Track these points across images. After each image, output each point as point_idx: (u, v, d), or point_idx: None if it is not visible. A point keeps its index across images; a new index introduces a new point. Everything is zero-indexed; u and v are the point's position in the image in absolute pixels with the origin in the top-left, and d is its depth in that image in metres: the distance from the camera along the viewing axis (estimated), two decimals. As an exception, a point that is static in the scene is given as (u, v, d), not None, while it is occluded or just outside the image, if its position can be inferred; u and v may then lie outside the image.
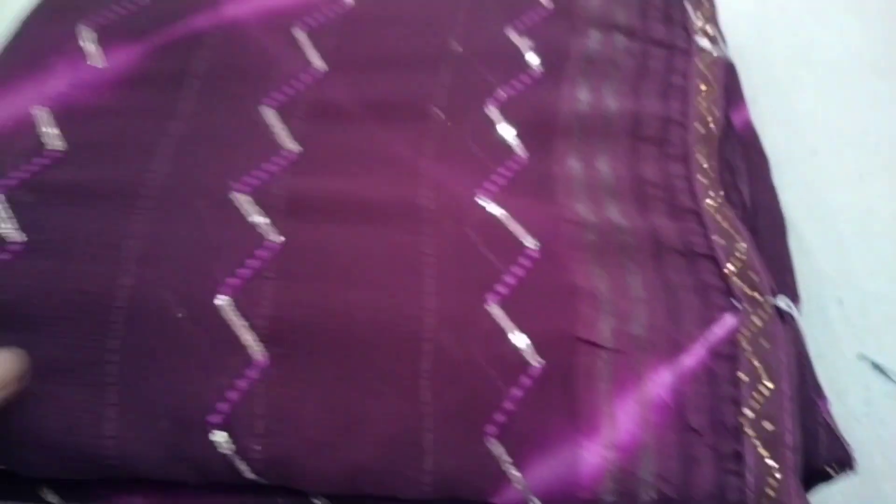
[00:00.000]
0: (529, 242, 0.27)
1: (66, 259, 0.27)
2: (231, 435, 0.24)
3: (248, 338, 0.25)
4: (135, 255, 0.27)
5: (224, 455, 0.24)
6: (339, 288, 0.26)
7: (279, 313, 0.26)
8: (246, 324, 0.25)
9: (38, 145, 0.30)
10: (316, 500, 0.25)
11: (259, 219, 0.28)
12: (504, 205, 0.28)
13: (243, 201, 0.28)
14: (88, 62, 0.33)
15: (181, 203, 0.28)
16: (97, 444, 0.24)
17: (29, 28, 0.34)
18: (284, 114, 0.31)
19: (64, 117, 0.31)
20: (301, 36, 0.34)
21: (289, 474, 0.24)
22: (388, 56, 0.34)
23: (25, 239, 0.27)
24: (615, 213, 0.29)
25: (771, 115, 0.38)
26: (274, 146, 0.30)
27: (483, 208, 0.28)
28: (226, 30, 0.34)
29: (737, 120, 0.34)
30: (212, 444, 0.24)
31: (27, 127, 0.30)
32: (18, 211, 0.28)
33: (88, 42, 0.33)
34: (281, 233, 0.28)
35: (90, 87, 0.32)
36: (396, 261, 0.27)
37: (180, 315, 0.25)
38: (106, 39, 0.33)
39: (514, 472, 0.23)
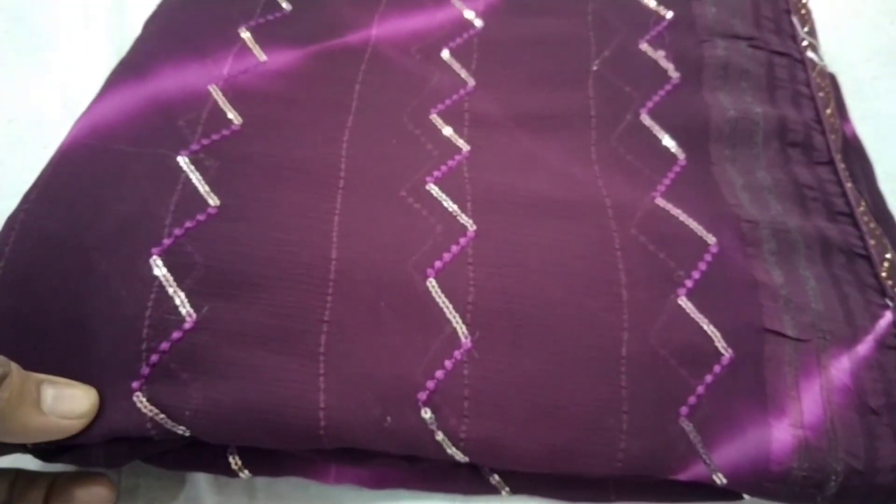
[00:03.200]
0: (709, 239, 0.29)
1: (273, 226, 0.27)
2: (437, 413, 0.25)
3: (455, 319, 0.27)
4: (339, 231, 0.28)
5: (431, 431, 0.25)
6: (537, 277, 0.28)
7: (481, 298, 0.27)
8: (452, 305, 0.27)
9: (215, 117, 0.31)
10: (491, 478, 0.27)
11: (454, 207, 0.29)
12: (679, 204, 0.31)
13: (435, 192, 0.30)
14: (252, 55, 0.34)
15: (375, 189, 0.30)
16: (311, 414, 0.24)
17: (185, 20, 0.36)
18: (451, 121, 0.33)
19: (237, 97, 0.32)
20: (447, 55, 0.36)
21: (490, 453, 0.26)
22: (532, 74, 0.36)
23: (219, 203, 0.27)
24: (779, 213, 0.31)
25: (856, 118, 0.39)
26: (451, 147, 0.32)
27: (663, 208, 0.30)
28: (379, 47, 0.36)
29: (846, 129, 0.37)
30: (421, 420, 0.25)
31: (202, 101, 0.31)
32: (207, 176, 0.28)
33: (248, 40, 0.35)
34: (473, 221, 0.29)
35: (257, 76, 0.33)
36: (590, 254, 0.29)
37: (384, 306, 0.26)
38: (263, 40, 0.35)
39: (703, 450, 0.26)
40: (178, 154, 0.29)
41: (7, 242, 0.26)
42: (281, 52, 0.34)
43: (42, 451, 0.25)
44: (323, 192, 0.29)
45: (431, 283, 0.27)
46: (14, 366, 0.22)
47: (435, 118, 0.33)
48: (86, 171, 0.28)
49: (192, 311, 0.25)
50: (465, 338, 0.26)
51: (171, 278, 0.25)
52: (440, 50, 0.36)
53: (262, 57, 0.34)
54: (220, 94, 0.32)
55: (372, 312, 0.26)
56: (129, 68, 0.33)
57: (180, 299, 0.25)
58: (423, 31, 0.37)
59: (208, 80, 0.32)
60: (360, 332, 0.26)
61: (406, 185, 0.30)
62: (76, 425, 0.23)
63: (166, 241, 0.26)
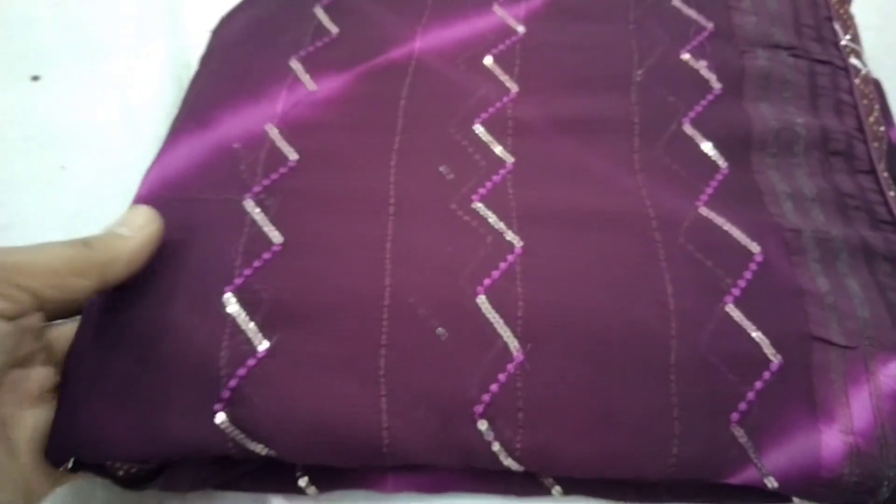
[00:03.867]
0: (754, 248, 0.30)
1: (331, 258, 0.29)
2: (492, 425, 0.26)
3: (506, 334, 0.28)
4: (392, 257, 0.29)
5: (488, 443, 0.26)
6: (584, 289, 0.29)
7: (531, 312, 0.28)
8: (503, 321, 0.28)
9: (274, 157, 0.32)
10: (545, 480, 0.28)
11: (500, 224, 0.31)
12: (723, 213, 0.31)
13: (481, 209, 0.31)
14: (303, 86, 0.35)
15: (422, 211, 0.31)
16: (375, 434, 0.26)
17: (238, 56, 0.38)
18: (495, 131, 0.34)
19: (292, 132, 0.33)
20: (489, 62, 0.37)
21: (545, 461, 0.27)
22: (574, 80, 0.36)
23: (283, 240, 0.29)
24: (822, 221, 0.31)
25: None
26: (496, 159, 0.33)
27: (706, 217, 0.31)
28: (422, 60, 0.37)
29: (891, 135, 0.37)
30: (478, 433, 0.26)
31: (260, 142, 0.33)
32: (270, 214, 0.30)
33: (299, 71, 0.36)
34: (520, 237, 0.30)
35: (309, 106, 0.35)
36: (636, 265, 0.29)
37: (439, 331, 0.28)
38: (313, 69, 0.36)
39: (754, 455, 0.26)
40: (243, 198, 0.31)
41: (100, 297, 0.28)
42: (329, 79, 0.36)
43: (130, 479, 0.27)
44: (374, 220, 0.30)
45: (482, 300, 0.28)
46: (86, 236, 0.27)
47: (479, 128, 0.34)
48: (165, 222, 0.30)
49: (264, 340, 0.27)
50: (517, 351, 0.27)
51: (243, 313, 0.27)
52: (483, 57, 0.37)
53: (313, 86, 0.35)
54: (275, 132, 0.33)
55: (426, 333, 0.28)
56: (191, 117, 0.35)
57: (253, 331, 0.27)
58: (465, 40, 0.38)
59: (264, 119, 0.34)
60: (416, 353, 0.27)
61: (455, 200, 0.31)
62: (156, 228, 0.28)
63: (237, 281, 0.28)
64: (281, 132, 0.33)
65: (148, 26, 0.45)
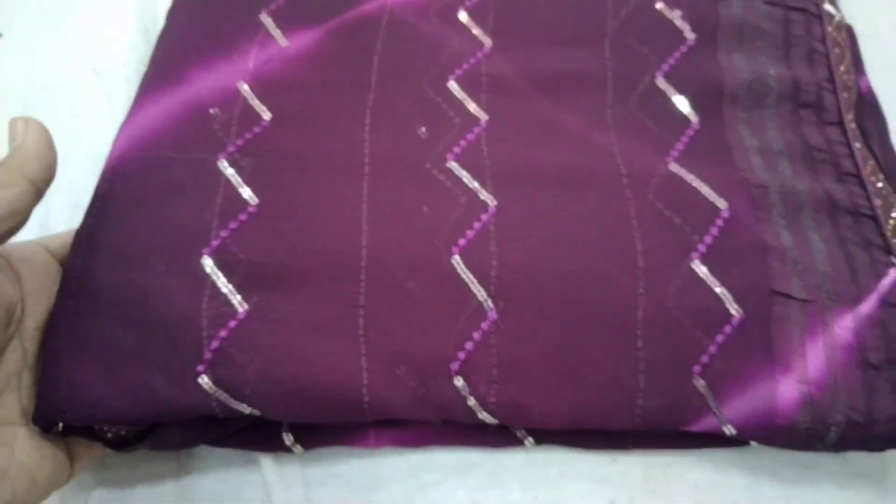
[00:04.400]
0: (721, 204, 0.31)
1: (307, 220, 0.29)
2: (468, 381, 0.28)
3: (480, 293, 0.29)
4: (368, 216, 0.30)
5: (464, 398, 0.28)
6: (556, 248, 0.29)
7: (504, 272, 0.29)
8: (477, 280, 0.29)
9: (247, 115, 0.32)
10: (518, 432, 0.30)
11: (474, 183, 0.31)
12: (692, 170, 0.32)
13: (455, 168, 0.31)
14: (275, 42, 0.35)
15: (397, 171, 0.31)
16: (356, 391, 0.27)
17: (208, 11, 0.37)
18: (469, 88, 0.34)
19: (264, 90, 0.33)
20: (464, 17, 0.36)
21: (518, 414, 0.28)
22: (548, 34, 0.36)
23: (258, 201, 0.30)
24: (789, 176, 0.32)
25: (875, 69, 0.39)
26: (470, 117, 0.33)
27: (676, 174, 0.32)
28: (395, 14, 0.36)
29: (862, 84, 0.37)
30: (454, 388, 0.28)
31: (233, 100, 0.33)
32: (244, 175, 0.30)
33: (270, 26, 0.35)
34: (494, 197, 0.31)
35: (281, 63, 0.34)
36: (607, 223, 0.30)
37: (413, 286, 0.28)
38: (283, 24, 0.36)
39: (714, 405, 0.28)
40: (217, 158, 0.31)
41: (77, 255, 0.28)
42: (301, 34, 0.35)
43: (119, 440, 0.28)
44: (350, 181, 0.30)
45: (456, 260, 0.29)
46: None
47: (453, 85, 0.34)
48: (138, 183, 0.30)
49: (243, 302, 0.28)
50: (491, 310, 0.28)
51: (221, 275, 0.28)
52: (457, 10, 0.37)
53: (284, 42, 0.35)
54: (248, 90, 0.33)
55: (402, 293, 0.28)
56: (161, 74, 0.34)
57: (231, 293, 0.28)
58: None
59: (236, 76, 0.33)
60: (394, 312, 0.28)
61: (429, 159, 0.31)
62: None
63: (214, 243, 0.28)
64: (253, 90, 0.33)
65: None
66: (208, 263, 0.28)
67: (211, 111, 0.33)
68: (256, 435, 0.29)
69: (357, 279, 0.28)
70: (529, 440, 0.30)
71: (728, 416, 0.28)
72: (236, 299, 0.28)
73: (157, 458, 0.30)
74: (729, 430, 0.28)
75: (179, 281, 0.28)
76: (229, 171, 0.30)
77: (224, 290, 0.28)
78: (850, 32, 0.38)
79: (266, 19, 0.36)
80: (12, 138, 0.26)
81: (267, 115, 0.32)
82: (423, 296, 0.29)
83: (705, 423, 0.28)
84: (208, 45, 0.35)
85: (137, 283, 0.28)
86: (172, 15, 0.38)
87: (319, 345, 0.27)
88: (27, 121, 0.26)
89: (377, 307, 0.28)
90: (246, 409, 0.27)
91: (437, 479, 0.30)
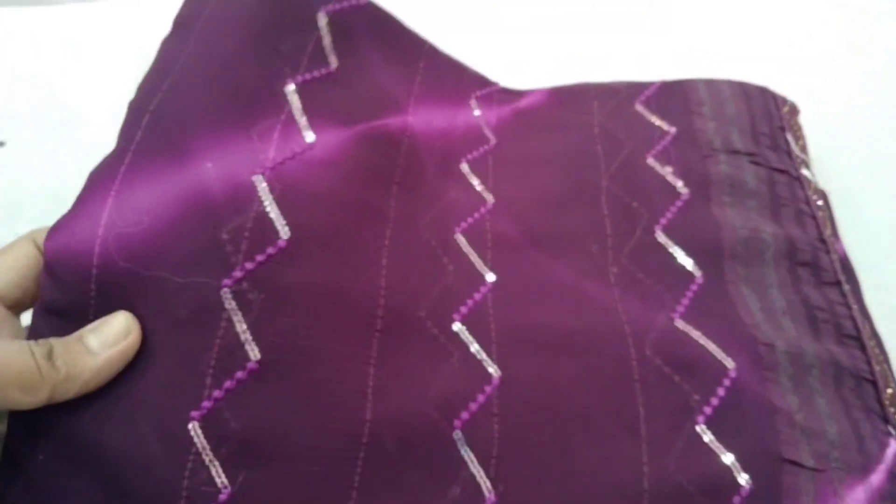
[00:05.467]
0: (728, 363, 0.30)
1: (312, 387, 0.26)
2: None
3: (479, 475, 0.27)
4: (374, 384, 0.27)
5: None
6: (560, 422, 0.28)
7: (505, 451, 0.27)
8: (476, 459, 0.27)
9: (262, 228, 0.27)
10: None
11: (479, 351, 0.30)
12: (699, 326, 0.31)
13: (462, 333, 0.30)
14: (299, 133, 0.30)
15: (409, 327, 0.29)
16: None
17: (219, 55, 0.31)
18: (475, 243, 0.33)
19: (283, 195, 0.28)
20: (466, 169, 0.36)
21: None
22: (545, 191, 0.36)
23: (260, 357, 0.25)
24: (794, 335, 0.32)
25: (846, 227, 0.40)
26: (477, 276, 0.32)
27: (682, 330, 0.31)
28: (414, 142, 0.35)
29: (839, 249, 0.39)
30: None
31: (248, 200, 0.27)
32: (249, 318, 0.26)
33: (296, 108, 0.31)
34: (498, 366, 0.30)
35: (305, 165, 0.29)
36: (611, 390, 0.29)
37: (411, 465, 0.26)
38: (310, 108, 0.31)
39: None
40: (221, 284, 0.26)
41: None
42: (328, 131, 0.31)
43: None
44: (362, 338, 0.28)
45: (458, 437, 0.28)
46: (52, 339, 0.24)
47: (460, 239, 0.33)
48: (127, 304, 0.26)
49: (227, 482, 0.24)
50: (489, 493, 0.27)
51: (208, 447, 0.24)
52: (459, 162, 0.37)
53: (311, 137, 0.30)
54: (266, 192, 0.27)
55: (399, 474, 0.26)
56: (158, 139, 0.28)
57: (216, 469, 0.24)
58: (446, 134, 0.37)
59: (253, 165, 0.28)
60: (387, 494, 0.26)
61: (437, 321, 0.30)
62: (128, 346, 0.25)
63: (206, 405, 0.25)
64: (272, 192, 0.27)
65: (124, 97, 0.43)
66: (196, 431, 0.24)
67: (217, 204, 0.27)
68: None
69: (355, 459, 0.26)
70: None
71: None
72: (220, 478, 0.24)
73: None
74: None
75: (162, 448, 0.24)
76: (232, 307, 0.25)
77: (209, 464, 0.24)
78: (825, 197, 0.40)
79: (292, 95, 0.31)
80: (96, 330, 0.25)
81: (285, 234, 0.27)
82: (422, 475, 0.27)
83: None
84: (219, 110, 0.29)
85: (118, 442, 0.24)
86: (177, 40, 0.32)
87: None
88: (126, 330, 0.25)
89: (371, 489, 0.26)
90: None
91: None
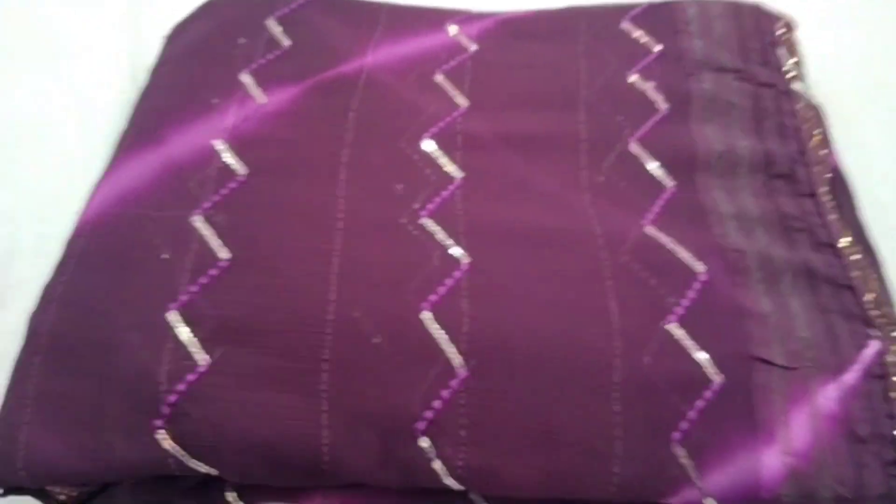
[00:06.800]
0: (698, 268, 0.30)
1: (276, 274, 0.29)
2: (434, 442, 0.26)
3: (450, 350, 0.27)
4: (338, 272, 0.29)
5: (429, 461, 0.26)
6: (530, 308, 0.28)
7: (476, 329, 0.28)
8: (447, 337, 0.28)
9: (224, 172, 0.32)
10: (473, 496, 0.28)
11: (447, 240, 0.30)
12: (669, 233, 0.31)
13: (429, 225, 0.31)
14: (253, 100, 0.35)
15: (371, 226, 0.31)
16: (315, 451, 0.26)
17: (189, 70, 0.38)
18: (444, 145, 0.34)
19: (241, 146, 0.33)
20: (440, 79, 0.37)
21: (486, 480, 0.26)
22: (523, 97, 0.37)
23: (230, 256, 0.29)
24: (766, 243, 0.32)
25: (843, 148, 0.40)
26: (445, 175, 0.33)
27: (652, 237, 0.31)
28: (373, 74, 0.37)
29: (831, 161, 0.38)
30: (419, 450, 0.26)
31: (209, 158, 0.33)
32: (218, 230, 0.30)
33: (250, 86, 0.36)
34: (467, 254, 0.30)
35: (258, 120, 0.34)
36: (581, 283, 0.29)
37: (380, 342, 0.27)
38: (263, 82, 0.36)
39: (695, 475, 0.26)
40: (192, 214, 0.30)
41: (47, 312, 0.28)
42: (279, 91, 0.35)
43: (71, 502, 0.27)
44: (322, 235, 0.30)
45: (426, 316, 0.28)
46: None
47: (428, 142, 0.34)
48: (110, 241, 0.30)
49: (205, 356, 0.27)
50: (461, 368, 0.27)
51: (186, 330, 0.27)
52: (434, 74, 0.37)
53: (262, 99, 0.35)
54: (225, 147, 0.33)
55: (369, 348, 0.27)
56: (140, 133, 0.35)
57: (195, 347, 0.27)
58: (417, 56, 0.38)
59: (213, 135, 0.34)
60: (359, 368, 0.27)
61: (404, 215, 0.31)
62: None
63: (182, 298, 0.28)
64: (230, 146, 0.33)
65: (106, 28, 0.44)
66: (174, 317, 0.27)
67: (184, 164, 0.33)
68: (198, 491, 0.27)
69: (322, 333, 0.27)
70: None
71: (710, 488, 0.26)
72: (198, 352, 0.27)
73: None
74: (710, 503, 0.26)
75: (141, 335, 0.27)
76: (203, 228, 0.30)
77: (187, 343, 0.27)
78: (818, 111, 0.39)
79: (246, 78, 0.36)
80: None
81: (243, 171, 0.32)
82: (390, 352, 0.27)
83: (685, 496, 0.26)
84: (188, 105, 0.35)
85: (99, 338, 0.27)
86: (156, 71, 0.38)
87: (279, 400, 0.26)
88: None
89: (342, 363, 0.27)
90: (202, 468, 0.26)
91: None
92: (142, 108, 0.36)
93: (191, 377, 0.26)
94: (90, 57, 0.42)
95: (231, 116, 0.34)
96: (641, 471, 0.26)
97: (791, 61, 0.40)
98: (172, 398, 0.25)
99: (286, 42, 0.38)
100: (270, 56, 0.37)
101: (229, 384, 0.26)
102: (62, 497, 0.27)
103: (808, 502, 0.25)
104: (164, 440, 0.25)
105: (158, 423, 0.25)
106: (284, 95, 0.35)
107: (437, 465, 0.26)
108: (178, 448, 0.25)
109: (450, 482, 0.26)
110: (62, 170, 0.37)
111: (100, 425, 0.25)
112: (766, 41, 0.41)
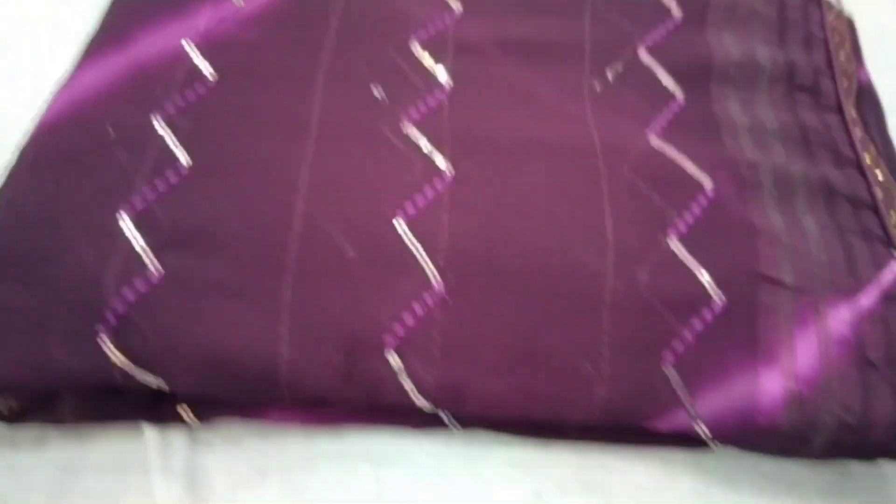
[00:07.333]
0: (705, 181, 0.28)
1: (240, 181, 0.27)
2: (404, 358, 0.24)
3: (426, 263, 0.26)
4: (308, 180, 0.27)
5: (397, 377, 0.24)
6: (517, 221, 0.27)
7: (456, 243, 0.26)
8: (423, 249, 0.26)
9: (191, 75, 0.30)
10: (442, 413, 0.26)
11: (431, 149, 0.28)
12: (675, 145, 0.29)
13: (412, 133, 0.29)
14: (230, 2, 0.33)
15: (347, 132, 0.29)
16: (272, 365, 0.24)
17: None
18: (434, 50, 0.32)
19: (211, 49, 0.31)
20: None
21: (460, 399, 0.25)
22: (525, 2, 0.34)
23: (191, 163, 0.27)
24: (783, 157, 0.29)
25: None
26: (433, 81, 0.31)
27: (657, 149, 0.29)
28: None
29: (861, 75, 0.35)
30: (387, 366, 0.24)
31: (178, 60, 0.31)
32: (180, 135, 0.28)
33: None
34: (452, 164, 0.28)
35: (232, 22, 0.32)
36: (575, 196, 0.27)
37: (350, 252, 0.26)
38: None
39: (686, 399, 0.24)
40: (153, 117, 0.29)
41: None
42: None
43: (14, 415, 0.25)
44: (292, 141, 0.28)
45: (402, 228, 0.26)
46: None
47: (416, 47, 0.32)
48: (64, 144, 0.28)
49: (158, 265, 0.25)
50: (438, 282, 0.25)
51: (138, 235, 0.26)
52: None
53: (240, 2, 0.33)
54: (194, 49, 0.31)
55: (338, 260, 0.26)
56: (107, 36, 0.33)
57: (147, 254, 0.25)
58: None
59: (184, 36, 0.32)
60: (326, 280, 0.25)
61: (385, 122, 0.29)
62: None
63: (136, 202, 0.26)
64: (200, 49, 0.31)
65: (50, 25, 0.40)
66: (125, 222, 0.26)
67: (149, 64, 0.31)
68: (149, 403, 0.26)
69: (285, 242, 0.26)
70: (456, 425, 0.26)
71: (701, 412, 0.24)
72: (151, 261, 0.25)
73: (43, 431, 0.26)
74: (701, 428, 0.24)
75: (89, 239, 0.25)
76: (164, 132, 0.28)
77: (139, 250, 0.25)
78: (850, 24, 0.36)
79: None
80: None
81: (212, 75, 0.30)
82: (361, 263, 0.25)
83: (674, 420, 0.24)
84: (159, 7, 0.33)
85: (45, 243, 0.25)
86: None
87: (235, 310, 0.24)
88: None
89: (307, 272, 0.25)
90: (151, 381, 0.24)
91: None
92: (112, 11, 0.34)
93: (141, 286, 0.24)
94: (41, 52, 0.39)
95: (204, 18, 0.32)
96: (628, 391, 0.24)
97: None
98: (119, 307, 0.24)
99: None
100: None
101: (182, 294, 0.25)
102: (3, 410, 0.25)
103: (809, 429, 0.23)
104: (109, 349, 0.24)
105: (102, 330, 0.24)
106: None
107: (407, 383, 0.24)
108: (124, 359, 0.24)
109: (420, 401, 0.25)
110: (35, 81, 0.34)
111: (41, 332, 0.24)
112: None
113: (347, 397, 0.25)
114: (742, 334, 0.25)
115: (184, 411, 0.26)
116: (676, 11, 0.34)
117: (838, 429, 0.23)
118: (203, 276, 0.25)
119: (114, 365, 0.24)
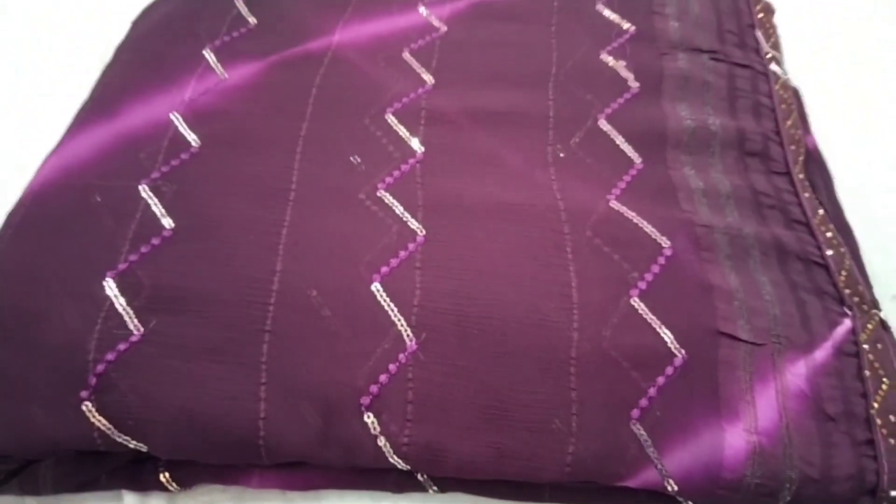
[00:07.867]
0: (664, 242, 0.29)
1: (220, 243, 0.28)
2: (379, 418, 0.25)
3: (399, 321, 0.26)
4: (287, 243, 0.28)
5: (374, 438, 0.25)
6: (486, 279, 0.27)
7: (428, 300, 0.27)
8: (397, 307, 0.26)
9: (176, 143, 0.31)
10: (419, 476, 0.26)
11: (404, 213, 0.29)
12: (634, 208, 0.30)
13: (387, 198, 0.30)
14: (215, 75, 0.35)
15: (325, 198, 0.30)
16: (251, 425, 0.24)
17: (154, 46, 0.37)
18: (407, 120, 0.33)
19: (196, 119, 0.32)
20: (408, 57, 0.36)
21: (434, 460, 0.25)
22: (491, 75, 0.36)
23: (174, 226, 0.28)
24: (736, 219, 0.31)
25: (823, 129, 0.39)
26: (406, 149, 0.32)
27: (617, 211, 0.30)
28: (339, 52, 0.36)
29: (808, 142, 0.37)
30: (364, 426, 0.25)
31: (163, 130, 0.32)
32: (164, 200, 0.29)
33: (212, 62, 0.35)
34: (424, 227, 0.29)
35: (217, 94, 0.34)
36: (541, 256, 0.28)
37: (327, 313, 0.26)
38: (226, 58, 0.35)
39: (654, 455, 0.25)
40: (139, 184, 0.30)
41: None
42: (242, 67, 0.35)
43: None
44: (271, 206, 0.29)
45: (376, 288, 0.27)
46: None
47: (390, 117, 0.33)
48: (55, 208, 0.29)
49: (139, 325, 0.26)
50: (410, 340, 0.26)
51: (121, 298, 0.26)
52: (401, 52, 0.36)
53: (224, 75, 0.35)
54: (180, 119, 0.32)
55: (315, 320, 0.26)
56: (98, 105, 0.34)
57: (129, 316, 0.26)
58: (386, 35, 0.37)
59: (170, 107, 0.33)
60: (303, 340, 0.26)
61: (362, 188, 0.30)
62: None
63: (121, 266, 0.27)
64: (185, 119, 0.32)
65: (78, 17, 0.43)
66: (110, 286, 0.26)
67: (137, 135, 0.32)
68: (129, 472, 0.26)
69: (266, 303, 0.26)
70: (433, 487, 0.26)
71: (670, 468, 0.24)
72: (132, 322, 0.25)
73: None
74: (671, 485, 0.24)
75: (74, 303, 0.26)
76: (149, 197, 0.29)
77: (122, 312, 0.26)
78: (796, 93, 0.38)
79: (209, 55, 0.36)
80: None
81: (196, 143, 0.32)
82: (338, 324, 0.26)
83: (644, 477, 0.25)
84: (148, 79, 0.35)
85: (30, 306, 0.26)
86: (120, 49, 0.38)
87: (214, 371, 0.25)
88: None
89: (285, 334, 0.26)
90: (130, 443, 0.24)
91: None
92: (102, 83, 0.35)
93: (121, 346, 0.25)
94: (62, 43, 0.42)
95: (190, 90, 0.34)
96: (598, 450, 0.25)
97: (769, 43, 0.40)
98: (100, 368, 0.24)
99: (252, 20, 0.38)
100: (235, 34, 0.37)
101: (162, 353, 0.25)
102: None
103: (774, 483, 0.24)
104: (90, 412, 0.24)
105: (84, 394, 0.24)
106: (247, 71, 0.35)
107: (382, 442, 0.25)
108: (103, 420, 0.24)
109: (395, 461, 0.25)
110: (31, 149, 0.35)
111: (23, 397, 0.24)
112: (744, 23, 0.40)
113: (325, 458, 0.25)
114: (704, 389, 0.26)
115: (164, 478, 0.26)
116: (633, 83, 0.36)
117: (801, 483, 0.24)
118: (183, 336, 0.25)
119: (94, 427, 0.24)
